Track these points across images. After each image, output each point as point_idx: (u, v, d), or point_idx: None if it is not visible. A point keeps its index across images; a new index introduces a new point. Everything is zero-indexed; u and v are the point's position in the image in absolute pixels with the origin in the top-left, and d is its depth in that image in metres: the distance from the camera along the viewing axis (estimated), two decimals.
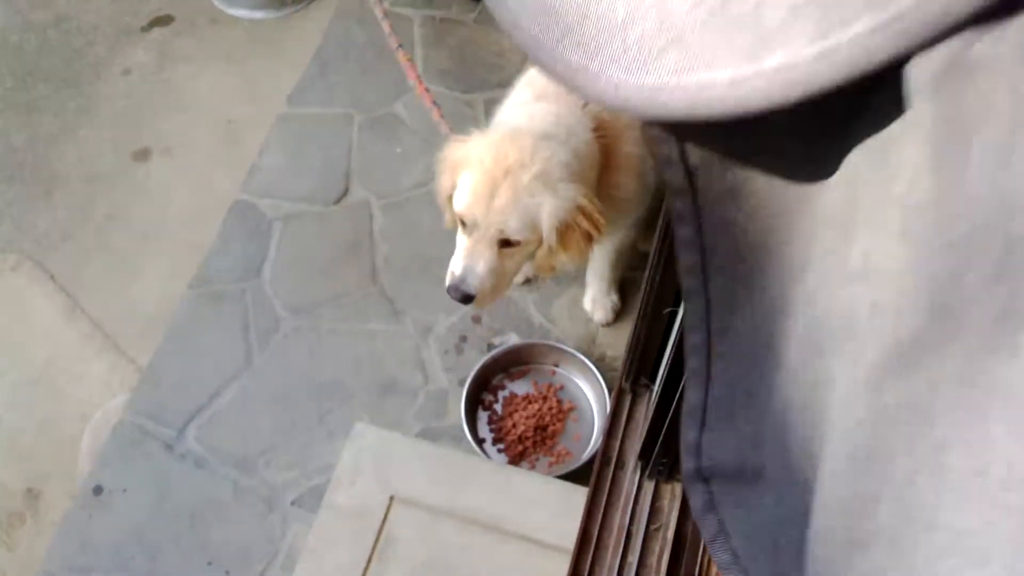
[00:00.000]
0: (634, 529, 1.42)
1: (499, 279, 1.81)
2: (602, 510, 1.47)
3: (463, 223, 1.77)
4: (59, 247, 2.51)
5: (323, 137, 2.65)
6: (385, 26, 2.32)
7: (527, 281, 2.38)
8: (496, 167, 1.71)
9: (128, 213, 2.57)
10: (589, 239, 1.78)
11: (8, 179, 2.62)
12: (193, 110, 2.77)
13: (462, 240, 1.80)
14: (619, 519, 1.45)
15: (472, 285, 1.77)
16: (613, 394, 1.69)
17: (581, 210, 1.73)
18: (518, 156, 1.72)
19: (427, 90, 2.25)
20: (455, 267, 1.80)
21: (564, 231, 1.73)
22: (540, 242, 1.77)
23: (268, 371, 2.25)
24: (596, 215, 1.75)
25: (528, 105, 1.95)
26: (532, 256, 1.82)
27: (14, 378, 2.29)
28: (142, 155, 2.68)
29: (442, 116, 2.21)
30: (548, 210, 1.71)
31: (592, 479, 1.50)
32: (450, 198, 1.82)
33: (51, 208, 2.57)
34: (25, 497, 2.14)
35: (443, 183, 1.83)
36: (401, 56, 2.28)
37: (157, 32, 2.95)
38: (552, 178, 1.73)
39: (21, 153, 2.67)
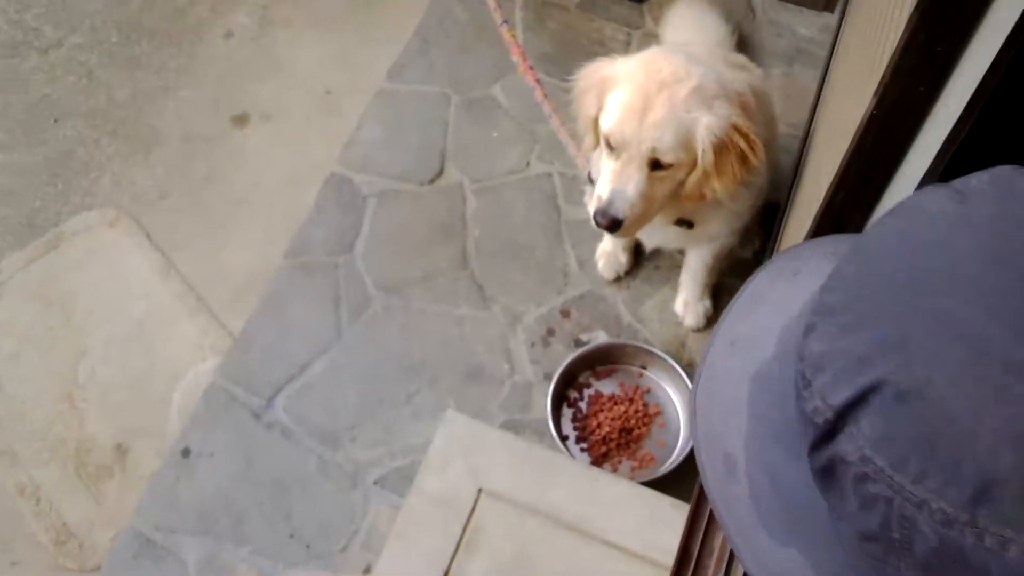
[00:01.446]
0: None
1: (647, 205, 1.75)
2: (703, 528, 1.47)
3: (610, 145, 1.72)
4: (156, 205, 2.54)
5: (420, 115, 2.64)
6: (490, 1, 2.29)
7: (618, 279, 2.36)
8: (650, 81, 1.67)
9: (225, 176, 2.59)
10: (744, 163, 1.72)
11: (110, 133, 2.65)
12: (292, 77, 2.78)
13: (607, 165, 1.75)
14: (721, 539, 1.45)
15: (621, 209, 1.71)
16: None
17: (737, 129, 1.69)
18: (673, 71, 1.69)
19: (531, 68, 2.23)
20: (601, 191, 1.74)
21: (719, 151, 1.68)
22: (692, 166, 1.72)
23: (357, 347, 2.27)
24: (752, 136, 1.71)
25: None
26: (682, 185, 1.77)
27: (109, 332, 2.33)
28: (241, 120, 2.69)
29: (545, 96, 2.20)
30: (705, 125, 1.66)
31: (695, 494, 1.50)
32: (595, 120, 1.78)
33: (150, 165, 2.60)
34: (114, 452, 2.19)
35: (586, 104, 1.78)
36: (505, 32, 2.26)
37: None
38: (708, 95, 1.69)
39: (123, 108, 2.70)
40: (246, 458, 2.13)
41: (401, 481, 2.07)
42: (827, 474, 0.50)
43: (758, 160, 1.74)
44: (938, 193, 0.52)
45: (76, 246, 2.45)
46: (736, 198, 1.93)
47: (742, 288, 0.68)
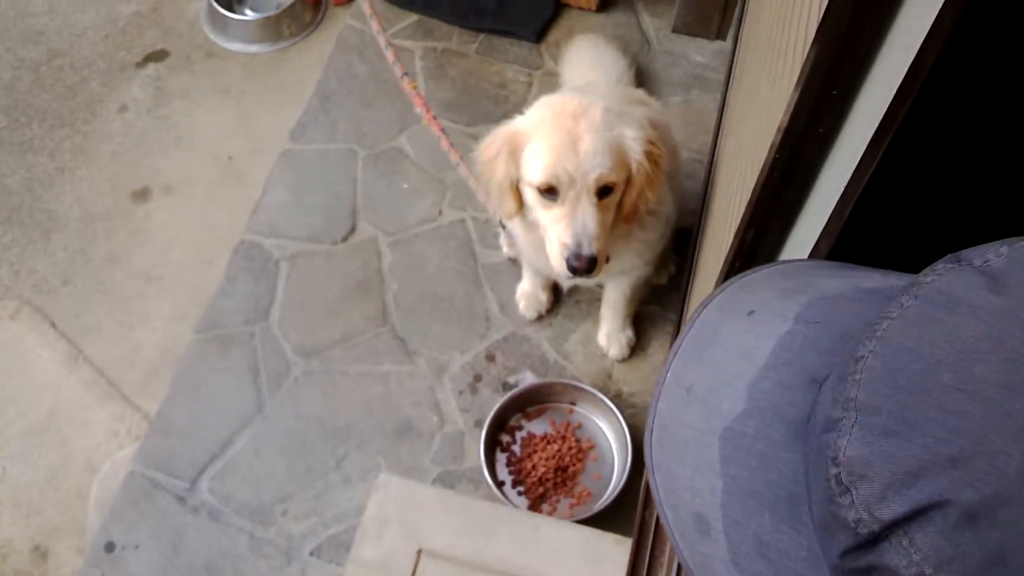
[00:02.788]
0: None
1: (606, 236, 1.75)
2: (646, 562, 1.44)
3: (549, 193, 1.71)
4: (59, 292, 2.44)
5: (327, 173, 2.61)
6: (389, 55, 2.28)
7: (540, 317, 2.34)
8: (563, 118, 1.68)
9: (129, 255, 2.51)
10: (661, 168, 1.76)
11: (5, 221, 2.55)
12: (192, 147, 2.72)
13: (550, 214, 1.73)
14: (663, 574, 1.42)
15: (593, 247, 1.70)
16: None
17: (650, 138, 1.74)
18: (577, 102, 1.71)
19: (435, 118, 2.22)
20: (563, 238, 1.71)
21: (649, 159, 1.71)
22: (626, 184, 1.74)
23: (280, 417, 2.20)
24: (658, 142, 1.76)
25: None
26: (619, 207, 1.78)
27: (18, 429, 2.22)
28: (141, 195, 2.62)
29: (452, 144, 2.18)
30: (631, 137, 1.70)
31: (635, 532, 1.47)
32: (512, 184, 1.77)
33: (49, 251, 2.51)
34: (32, 555, 2.07)
35: (499, 170, 1.76)
36: (407, 84, 2.24)
37: (152, 67, 2.90)
38: (617, 113, 1.72)
39: (17, 196, 2.61)
40: (173, 546, 2.03)
41: (337, 549, 2.00)
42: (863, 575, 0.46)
43: (664, 160, 1.79)
44: (966, 277, 0.48)
45: None
46: (647, 226, 1.94)
47: (688, 324, 0.63)
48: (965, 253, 0.50)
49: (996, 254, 0.48)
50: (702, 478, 0.56)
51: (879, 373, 0.47)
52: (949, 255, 0.51)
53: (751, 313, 0.58)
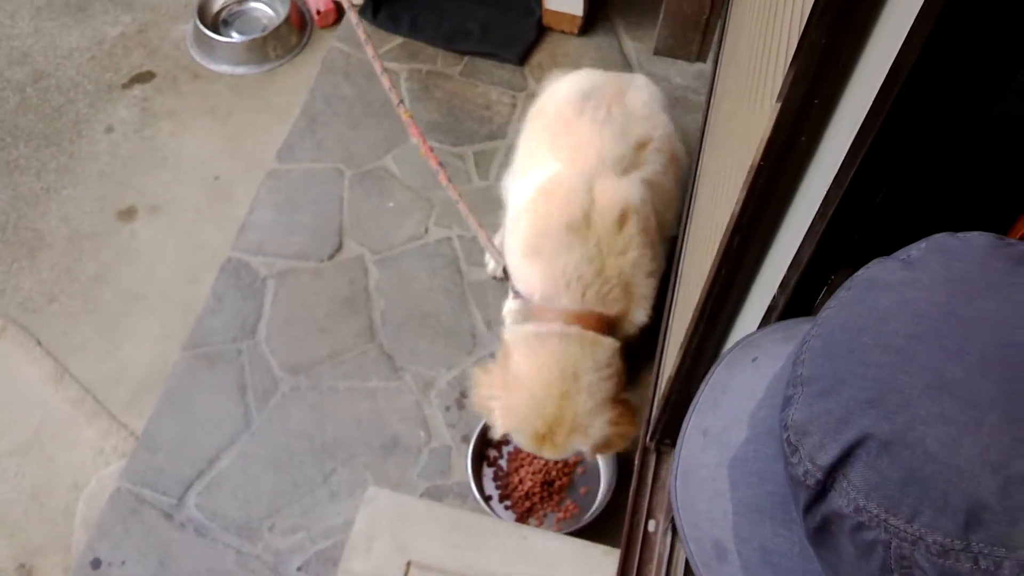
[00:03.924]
0: None
1: None
2: (635, 572, 1.45)
3: None
4: (45, 310, 2.44)
5: (314, 192, 2.63)
6: (385, 81, 2.32)
7: None
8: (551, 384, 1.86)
9: (115, 273, 2.51)
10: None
11: None
12: (179, 167, 2.74)
13: None
14: None
15: None
16: (638, 453, 1.68)
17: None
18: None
19: (431, 150, 2.25)
20: None
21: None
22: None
23: (267, 433, 2.21)
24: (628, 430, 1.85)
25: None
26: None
27: (2, 447, 2.21)
28: (128, 214, 2.63)
29: (450, 180, 2.21)
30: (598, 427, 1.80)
31: (623, 540, 1.49)
32: None
33: (36, 270, 2.51)
34: (17, 573, 2.06)
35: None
36: (403, 113, 2.28)
37: (139, 89, 2.92)
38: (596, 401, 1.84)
39: (2, 214, 2.61)
40: (160, 562, 2.03)
41: (325, 565, 2.00)
42: (823, 531, 0.52)
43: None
44: (886, 264, 0.56)
45: None
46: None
47: (704, 381, 0.70)
48: (896, 252, 0.58)
49: (917, 248, 0.56)
50: (716, 507, 0.62)
51: (817, 350, 0.54)
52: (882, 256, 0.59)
53: (754, 360, 0.66)
